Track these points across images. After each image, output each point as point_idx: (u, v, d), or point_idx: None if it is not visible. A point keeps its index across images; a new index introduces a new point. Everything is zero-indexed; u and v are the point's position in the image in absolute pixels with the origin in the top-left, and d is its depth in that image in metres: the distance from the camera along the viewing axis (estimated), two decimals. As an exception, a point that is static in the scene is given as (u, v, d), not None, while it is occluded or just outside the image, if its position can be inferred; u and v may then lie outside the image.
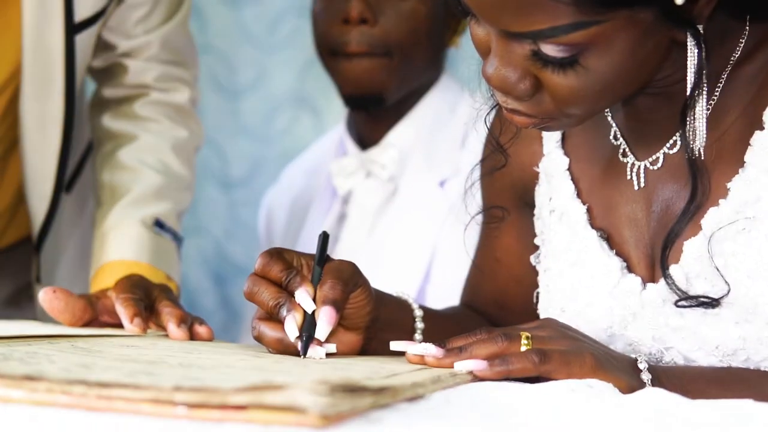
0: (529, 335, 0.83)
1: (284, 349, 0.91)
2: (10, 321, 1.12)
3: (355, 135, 1.69)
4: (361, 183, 1.64)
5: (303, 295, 0.91)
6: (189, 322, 1.05)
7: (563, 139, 1.02)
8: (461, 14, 0.87)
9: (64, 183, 1.38)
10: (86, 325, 1.09)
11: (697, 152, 0.87)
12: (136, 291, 1.08)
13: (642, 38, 0.82)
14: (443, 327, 1.04)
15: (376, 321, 0.96)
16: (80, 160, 1.51)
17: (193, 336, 1.04)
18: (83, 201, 1.52)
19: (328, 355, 0.90)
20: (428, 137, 1.62)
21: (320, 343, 0.90)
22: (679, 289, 0.90)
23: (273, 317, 0.92)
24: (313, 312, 0.90)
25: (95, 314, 1.09)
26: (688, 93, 0.85)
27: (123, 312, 1.05)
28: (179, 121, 1.42)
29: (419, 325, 1.02)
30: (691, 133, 0.86)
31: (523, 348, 0.82)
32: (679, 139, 0.93)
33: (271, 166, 2.32)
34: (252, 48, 2.36)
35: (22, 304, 1.49)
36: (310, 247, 1.64)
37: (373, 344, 0.97)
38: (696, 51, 0.84)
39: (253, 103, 2.38)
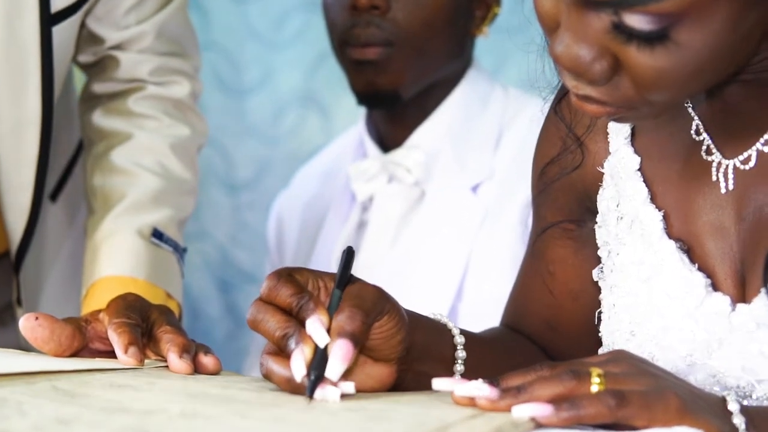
0: (602, 372, 0.71)
1: (294, 390, 0.78)
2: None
3: (375, 135, 1.57)
4: (383, 188, 1.52)
5: (315, 325, 0.77)
6: (192, 352, 0.91)
7: (633, 134, 0.89)
8: None
9: (44, 194, 1.26)
10: (75, 354, 0.95)
11: None
12: (132, 314, 0.94)
13: (744, 10, 0.70)
14: (488, 356, 0.92)
15: (410, 350, 0.84)
16: (68, 165, 1.40)
17: (197, 368, 0.91)
18: (72, 211, 1.40)
19: (342, 392, 0.76)
20: (458, 137, 1.50)
21: (335, 383, 0.76)
22: None
23: (281, 351, 0.79)
24: (327, 346, 0.77)
25: (85, 341, 0.96)
26: None
27: (116, 340, 0.92)
28: (179, 118, 1.30)
29: (461, 354, 0.89)
30: None
31: (595, 388, 0.70)
32: None
33: (278, 168, 2.28)
34: (257, 45, 2.32)
35: (6, 322, 1.37)
36: (326, 258, 1.55)
37: (408, 377, 0.85)
38: None
39: (258, 103, 2.34)
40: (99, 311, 0.98)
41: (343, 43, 1.48)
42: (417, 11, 1.46)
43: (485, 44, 1.65)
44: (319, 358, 0.76)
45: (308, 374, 0.76)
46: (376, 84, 1.46)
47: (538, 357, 0.99)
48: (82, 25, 1.26)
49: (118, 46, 1.28)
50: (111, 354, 0.94)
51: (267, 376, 0.80)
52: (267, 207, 1.84)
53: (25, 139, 1.20)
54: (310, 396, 0.75)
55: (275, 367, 0.79)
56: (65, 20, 1.18)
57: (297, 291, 0.80)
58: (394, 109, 1.51)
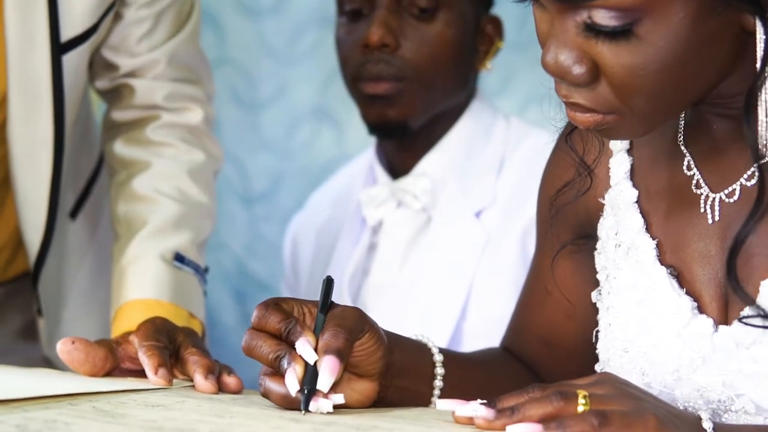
0: (587, 394, 0.77)
1: (290, 405, 0.86)
2: (25, 369, 1.05)
3: (384, 163, 1.62)
4: (392, 213, 1.57)
5: (304, 346, 0.85)
6: (217, 372, 0.98)
7: (632, 170, 0.96)
8: None
9: (57, 211, 1.31)
10: (107, 374, 1.02)
11: (762, 146, 0.80)
12: (160, 337, 1.01)
13: (702, 12, 0.77)
14: (468, 374, 0.99)
15: (390, 367, 0.91)
16: (87, 185, 1.45)
17: (221, 387, 0.97)
18: (92, 228, 1.46)
19: (333, 407, 0.84)
20: (462, 165, 1.56)
21: (326, 396, 0.84)
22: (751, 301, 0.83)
23: (276, 371, 0.87)
24: (316, 363, 0.85)
25: (116, 362, 1.03)
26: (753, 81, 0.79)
27: (147, 362, 0.98)
28: (194, 143, 1.35)
29: (439, 371, 0.96)
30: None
31: (581, 408, 0.76)
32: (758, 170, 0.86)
33: (293, 181, 2.30)
34: (272, 60, 2.33)
35: (31, 337, 1.42)
36: (338, 278, 1.58)
37: (390, 392, 0.92)
38: (764, 38, 0.78)
39: (273, 117, 2.35)
40: (129, 333, 1.05)
41: (355, 78, 1.53)
42: (424, 48, 1.50)
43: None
44: (310, 374, 0.84)
45: (301, 389, 0.83)
46: (386, 116, 1.51)
47: (521, 376, 1.04)
48: (98, 53, 1.31)
49: (132, 74, 1.32)
50: (140, 373, 1.00)
51: (265, 395, 0.87)
52: (282, 219, 1.86)
53: (39, 159, 1.25)
54: (305, 409, 0.82)
55: (272, 385, 0.86)
56: (74, 49, 1.23)
57: (284, 317, 0.87)
58: (403, 138, 1.55)
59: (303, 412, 0.82)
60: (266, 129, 2.35)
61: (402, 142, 1.57)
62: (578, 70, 0.80)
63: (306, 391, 0.83)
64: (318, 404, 0.83)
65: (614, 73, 0.79)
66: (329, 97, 2.29)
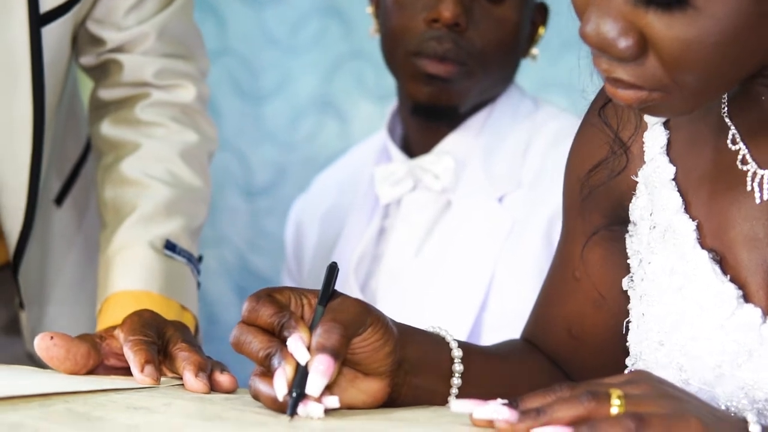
0: (621, 394, 0.69)
1: (280, 408, 0.78)
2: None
3: (399, 142, 1.54)
4: (410, 195, 1.49)
5: (296, 343, 0.77)
6: (208, 370, 0.90)
7: (668, 144, 0.88)
8: None
9: (38, 196, 1.24)
10: (90, 371, 0.94)
11: None
12: (148, 332, 0.93)
13: None
14: (490, 370, 0.91)
15: (402, 363, 0.83)
16: (73, 169, 1.38)
17: (213, 386, 0.89)
18: (79, 215, 1.39)
19: (333, 409, 0.76)
20: (487, 147, 1.47)
21: (318, 399, 0.76)
22: None
23: (266, 371, 0.79)
24: (308, 363, 0.77)
25: (100, 358, 0.95)
26: None
27: (132, 358, 0.90)
28: (187, 123, 1.28)
29: (458, 367, 0.88)
30: None
31: (614, 410, 0.69)
32: None
33: (296, 174, 2.28)
34: (274, 51, 2.31)
35: (14, 332, 1.36)
36: (344, 264, 1.51)
37: (404, 391, 0.84)
38: None
39: (276, 108, 2.33)
40: (114, 327, 0.97)
41: (413, 53, 1.43)
42: (491, 33, 1.43)
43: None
44: (300, 376, 0.76)
45: (290, 392, 0.75)
46: (441, 99, 1.43)
47: (546, 372, 0.97)
48: (83, 27, 1.24)
49: (120, 49, 1.26)
50: (126, 370, 0.93)
51: (255, 397, 0.80)
52: (285, 212, 1.82)
53: (18, 141, 1.18)
54: (292, 414, 0.75)
55: (262, 387, 0.79)
56: (55, 21, 1.16)
57: (277, 310, 0.79)
58: (448, 120, 1.48)
59: (289, 418, 0.74)
60: (269, 120, 2.33)
61: (432, 121, 1.48)
62: (624, 43, 0.73)
63: (294, 395, 0.75)
64: (307, 409, 0.75)
65: (666, 47, 0.72)
66: (333, 87, 2.27)
